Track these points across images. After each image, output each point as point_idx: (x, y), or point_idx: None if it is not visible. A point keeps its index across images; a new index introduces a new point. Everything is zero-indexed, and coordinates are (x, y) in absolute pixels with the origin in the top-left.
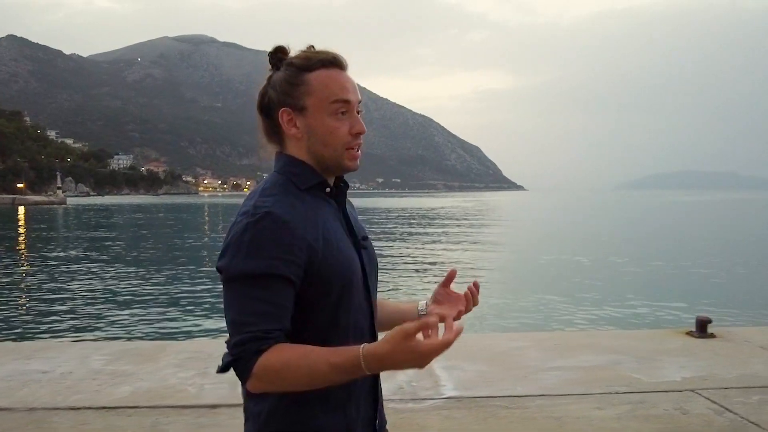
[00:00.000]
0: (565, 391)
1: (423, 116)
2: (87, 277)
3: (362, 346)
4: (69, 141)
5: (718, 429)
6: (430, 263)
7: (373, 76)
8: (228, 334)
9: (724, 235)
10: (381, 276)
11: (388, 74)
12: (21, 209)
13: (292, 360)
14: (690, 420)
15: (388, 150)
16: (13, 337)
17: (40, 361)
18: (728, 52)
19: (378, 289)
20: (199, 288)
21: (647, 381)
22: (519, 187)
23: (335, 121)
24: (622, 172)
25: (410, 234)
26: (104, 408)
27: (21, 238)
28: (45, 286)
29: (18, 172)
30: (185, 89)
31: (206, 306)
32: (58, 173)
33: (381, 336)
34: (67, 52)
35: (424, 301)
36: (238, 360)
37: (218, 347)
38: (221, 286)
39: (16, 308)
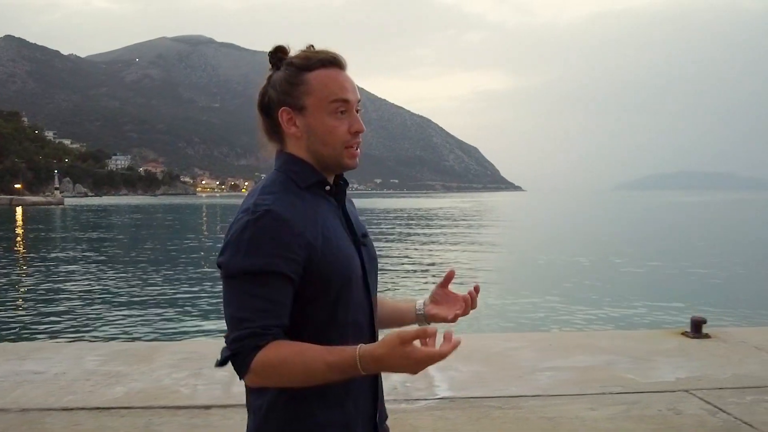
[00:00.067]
0: (560, 392)
1: (421, 117)
2: (84, 277)
3: (359, 346)
4: (67, 141)
5: (711, 429)
6: (427, 264)
7: (371, 76)
8: (227, 330)
9: (721, 235)
10: (379, 276)
11: (386, 75)
12: (18, 210)
13: (288, 357)
14: (683, 420)
15: (386, 150)
16: (11, 337)
17: (35, 361)
18: (728, 53)
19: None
20: (195, 289)
21: (641, 381)
22: (517, 188)
23: (334, 120)
24: (620, 172)
25: (408, 235)
26: (97, 409)
27: (18, 239)
28: (41, 286)
29: (15, 173)
30: (183, 90)
31: (202, 307)
32: (55, 174)
33: (380, 334)
34: (64, 52)
35: (422, 301)
36: (237, 355)
37: (213, 348)
38: (219, 286)
39: (12, 309)
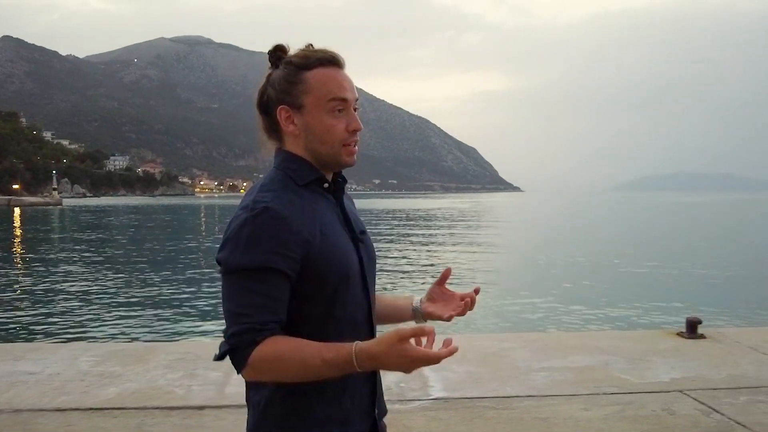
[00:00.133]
0: (554, 392)
1: (420, 117)
2: (80, 278)
3: (355, 343)
4: (65, 142)
5: (705, 429)
6: (426, 264)
7: (369, 77)
8: (225, 325)
9: (719, 236)
10: (378, 277)
11: (384, 75)
12: (17, 210)
13: (285, 352)
14: (677, 421)
15: (384, 151)
16: (7, 337)
17: (29, 362)
18: (726, 54)
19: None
20: (191, 289)
21: (635, 382)
22: (515, 188)
23: (332, 119)
24: (619, 173)
25: (406, 235)
26: (91, 409)
27: (15, 240)
28: (38, 287)
29: (14, 173)
30: (181, 90)
31: (198, 307)
32: (53, 174)
33: (377, 330)
34: (63, 53)
35: (419, 298)
36: (235, 350)
37: (208, 349)
38: (215, 286)
39: (9, 309)
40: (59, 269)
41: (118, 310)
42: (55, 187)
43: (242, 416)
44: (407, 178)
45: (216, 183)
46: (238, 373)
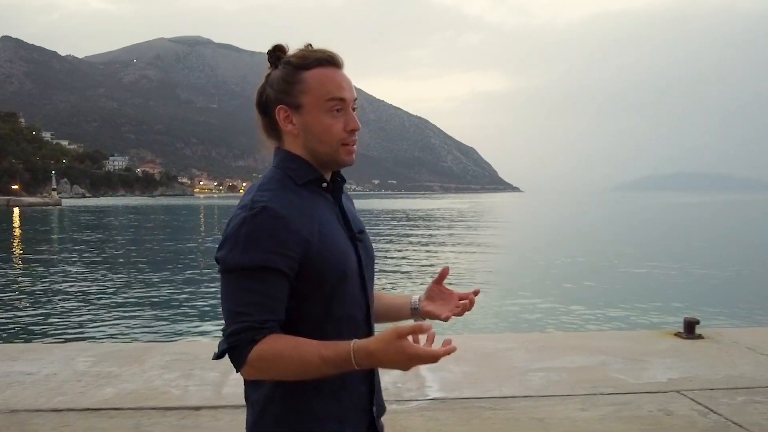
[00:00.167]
0: (551, 392)
1: (419, 118)
2: (79, 278)
3: (353, 341)
4: (64, 142)
5: (701, 430)
6: (425, 265)
7: (369, 77)
8: (224, 323)
9: (718, 236)
10: (377, 278)
11: (384, 76)
12: (16, 210)
13: (284, 350)
14: (673, 421)
15: (384, 152)
16: (3, 338)
17: (26, 362)
18: (725, 55)
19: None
20: (189, 290)
21: (633, 382)
22: (515, 189)
23: (330, 119)
24: (617, 173)
25: (406, 235)
26: (87, 410)
27: (14, 240)
28: (36, 287)
29: (13, 174)
30: (181, 90)
31: (195, 308)
32: (53, 174)
33: (376, 328)
34: (62, 53)
35: (418, 297)
36: (234, 348)
37: (205, 349)
38: (213, 287)
39: (6, 310)
40: (57, 269)
41: (116, 311)
42: (55, 187)
43: (239, 416)
44: (407, 178)
45: (215, 183)
46: (237, 371)
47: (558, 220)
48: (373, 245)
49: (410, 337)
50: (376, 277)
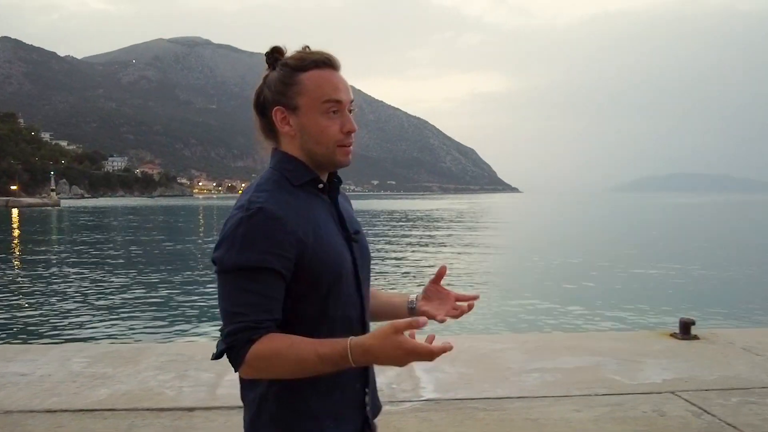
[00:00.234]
0: (545, 393)
1: (418, 118)
2: (76, 279)
3: (350, 338)
4: (63, 143)
5: (695, 431)
6: (423, 266)
7: (368, 78)
8: (222, 323)
9: (715, 237)
10: (376, 278)
11: (383, 76)
12: (14, 211)
13: (281, 349)
14: (667, 422)
15: (383, 152)
16: (1, 339)
17: (20, 363)
18: (723, 55)
19: (371, 283)
20: (185, 291)
21: (627, 383)
22: (514, 189)
23: (327, 120)
24: (616, 173)
25: (404, 236)
26: (81, 411)
27: (12, 240)
28: (32, 288)
29: (12, 174)
30: (180, 91)
31: (191, 309)
32: (52, 175)
33: (372, 328)
34: (61, 53)
35: (415, 296)
36: (232, 348)
37: (199, 350)
38: (210, 287)
39: (3, 311)
40: (55, 270)
41: (113, 311)
42: (53, 188)
43: (232, 418)
44: (406, 179)
45: (214, 184)
46: (235, 371)
47: (556, 221)
48: (372, 246)
49: (407, 333)
50: (375, 277)
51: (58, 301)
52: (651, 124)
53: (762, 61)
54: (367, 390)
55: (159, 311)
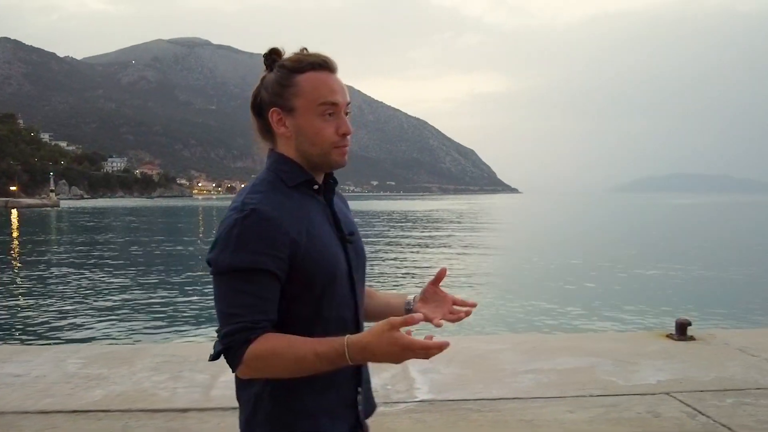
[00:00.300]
0: (539, 394)
1: (418, 119)
2: (72, 280)
3: (347, 336)
4: (63, 144)
5: None
6: (422, 266)
7: (367, 78)
8: (218, 324)
9: (714, 238)
10: (375, 279)
11: (383, 76)
12: (14, 212)
13: (279, 348)
14: (662, 423)
15: (382, 153)
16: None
17: (15, 364)
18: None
19: (367, 284)
20: (181, 292)
21: (622, 384)
22: (513, 190)
23: (322, 122)
24: (618, 174)
25: (404, 237)
26: (75, 412)
27: (11, 241)
28: (30, 289)
29: (11, 175)
30: (179, 92)
31: (186, 310)
32: (51, 176)
33: (367, 326)
34: (61, 54)
35: (413, 296)
36: (229, 349)
37: (194, 351)
38: (206, 289)
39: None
40: (53, 271)
41: (109, 312)
42: (53, 188)
43: (226, 419)
44: (405, 179)
45: (214, 184)
46: (233, 371)
47: (556, 221)
48: (371, 247)
49: (403, 329)
50: (374, 277)
51: (55, 301)
52: (651, 124)
53: (762, 61)
54: (359, 389)
55: (155, 312)
